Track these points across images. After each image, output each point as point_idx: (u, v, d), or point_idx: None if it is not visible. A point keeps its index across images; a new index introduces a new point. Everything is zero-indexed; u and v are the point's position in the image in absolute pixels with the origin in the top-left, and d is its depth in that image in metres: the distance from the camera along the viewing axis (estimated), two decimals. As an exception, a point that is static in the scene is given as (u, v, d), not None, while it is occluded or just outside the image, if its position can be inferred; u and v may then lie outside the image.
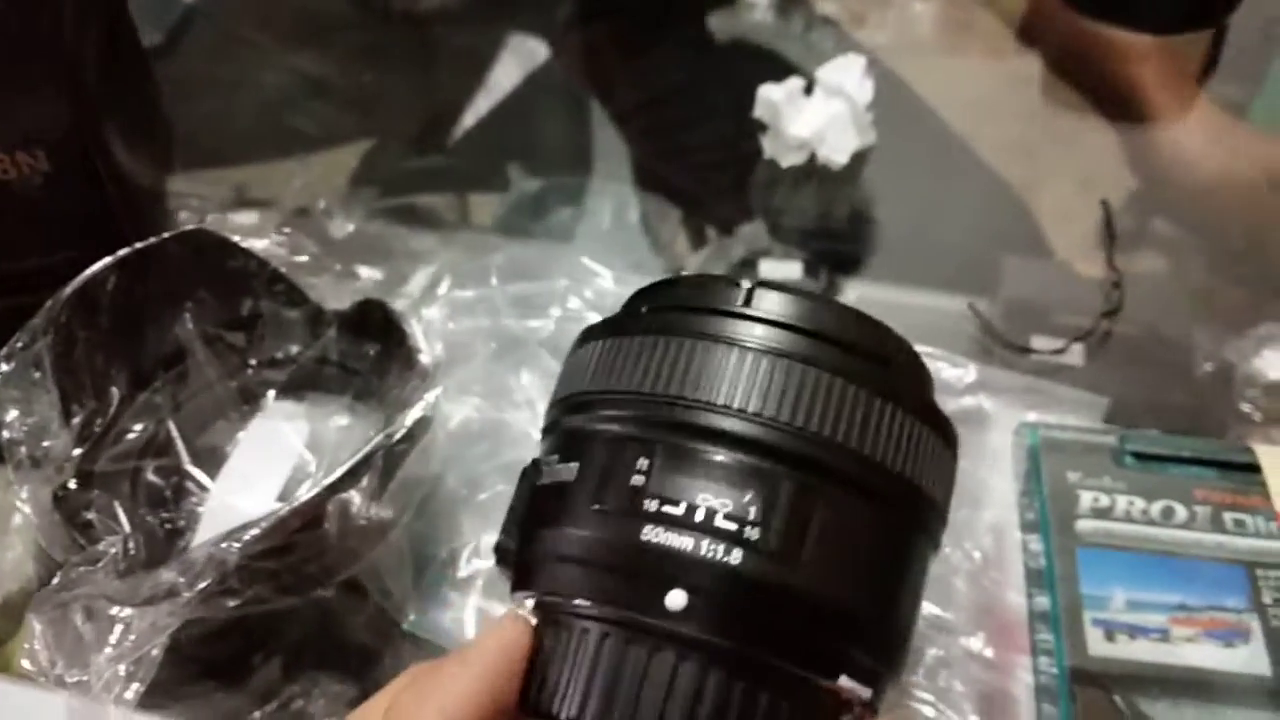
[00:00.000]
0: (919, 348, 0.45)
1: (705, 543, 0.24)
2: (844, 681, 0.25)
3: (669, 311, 0.29)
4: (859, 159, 0.54)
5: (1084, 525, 0.39)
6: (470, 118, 0.69)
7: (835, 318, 0.27)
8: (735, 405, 0.25)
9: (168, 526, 0.41)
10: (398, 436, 0.36)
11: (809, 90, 0.54)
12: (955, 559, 0.41)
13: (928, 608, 0.39)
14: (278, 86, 0.70)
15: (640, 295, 0.31)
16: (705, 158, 0.65)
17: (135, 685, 0.33)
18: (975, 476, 0.43)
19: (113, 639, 0.33)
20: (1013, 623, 0.39)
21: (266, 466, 0.42)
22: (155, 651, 0.33)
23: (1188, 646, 0.36)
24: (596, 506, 0.25)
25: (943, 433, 0.28)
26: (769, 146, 0.55)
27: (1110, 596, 0.38)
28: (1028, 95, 0.67)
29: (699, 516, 0.24)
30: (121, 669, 0.33)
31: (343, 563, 0.38)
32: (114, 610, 0.34)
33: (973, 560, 0.41)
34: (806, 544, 0.25)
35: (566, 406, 0.29)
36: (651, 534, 0.24)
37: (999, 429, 0.45)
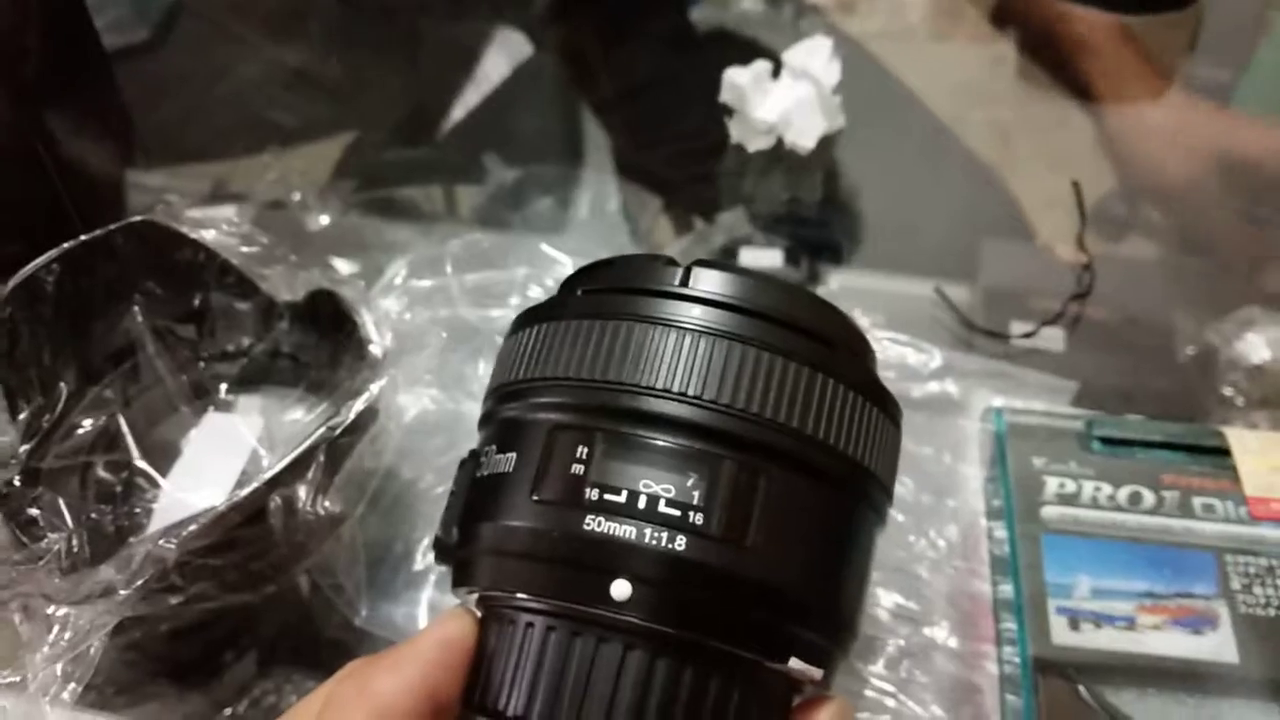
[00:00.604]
0: (884, 334, 0.45)
1: (649, 530, 0.23)
2: (794, 663, 0.25)
3: (604, 294, 0.28)
4: (827, 143, 0.54)
5: (1049, 511, 0.38)
6: (449, 109, 0.68)
7: (772, 295, 0.26)
8: (674, 389, 0.25)
9: (119, 524, 0.40)
10: (341, 428, 0.35)
11: (777, 74, 0.53)
12: (920, 547, 0.40)
13: (891, 597, 0.39)
14: (260, 80, 0.69)
15: (575, 278, 0.30)
16: (684, 146, 0.64)
17: (72, 685, 0.32)
18: (941, 463, 0.42)
19: (50, 638, 0.33)
20: (978, 612, 0.39)
21: (219, 462, 0.42)
22: (93, 650, 0.33)
23: (1154, 635, 0.36)
24: (536, 498, 0.25)
25: (885, 407, 0.28)
26: (735, 131, 0.54)
27: (1075, 584, 0.37)
28: (1014, 80, 0.67)
29: (641, 504, 0.24)
30: (58, 668, 0.32)
31: (291, 558, 0.37)
32: (51, 609, 0.33)
33: (938, 548, 0.40)
34: (751, 527, 0.24)
35: (502, 395, 0.28)
36: (593, 524, 0.24)
37: (966, 414, 0.44)
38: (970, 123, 0.64)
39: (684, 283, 0.27)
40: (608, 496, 0.24)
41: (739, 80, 0.52)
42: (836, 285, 0.54)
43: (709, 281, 0.26)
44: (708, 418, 0.24)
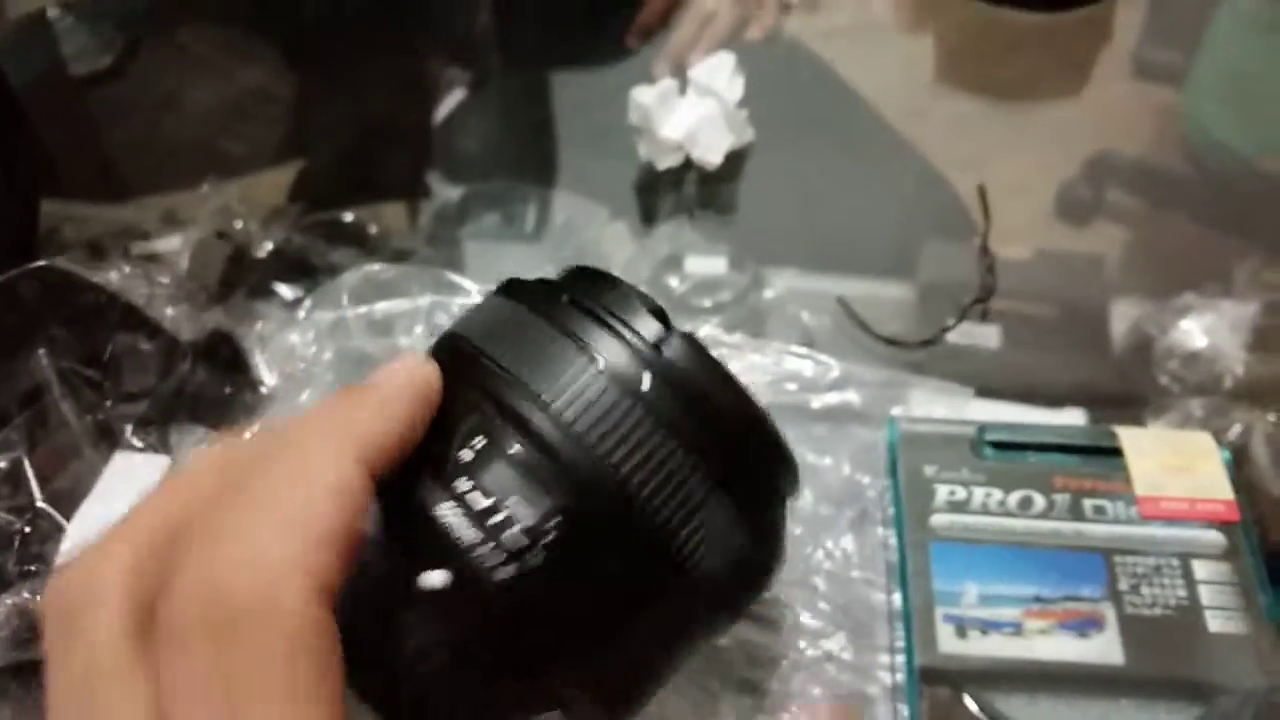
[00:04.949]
0: (782, 348, 0.45)
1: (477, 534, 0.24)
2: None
3: (581, 313, 0.28)
4: (736, 157, 0.54)
5: (939, 520, 0.39)
6: (398, 133, 0.69)
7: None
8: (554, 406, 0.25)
9: (22, 567, 0.40)
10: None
11: (684, 91, 0.54)
12: (816, 559, 0.40)
13: (788, 611, 0.39)
14: (206, 110, 0.70)
15: (572, 280, 0.30)
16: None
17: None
18: (840, 473, 0.42)
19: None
20: (873, 622, 0.39)
21: (126, 502, 0.42)
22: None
23: (1041, 639, 0.36)
24: None
25: (761, 542, 0.29)
26: (644, 149, 0.55)
27: (963, 592, 0.37)
28: (979, 72, 0.67)
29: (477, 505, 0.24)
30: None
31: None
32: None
33: (834, 559, 0.40)
34: (559, 579, 0.24)
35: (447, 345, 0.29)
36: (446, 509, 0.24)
37: (868, 424, 0.44)
38: (921, 119, 0.63)
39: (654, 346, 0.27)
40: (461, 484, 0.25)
41: (644, 100, 0.52)
42: (783, 287, 0.54)
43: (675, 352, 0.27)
44: (566, 445, 0.25)
